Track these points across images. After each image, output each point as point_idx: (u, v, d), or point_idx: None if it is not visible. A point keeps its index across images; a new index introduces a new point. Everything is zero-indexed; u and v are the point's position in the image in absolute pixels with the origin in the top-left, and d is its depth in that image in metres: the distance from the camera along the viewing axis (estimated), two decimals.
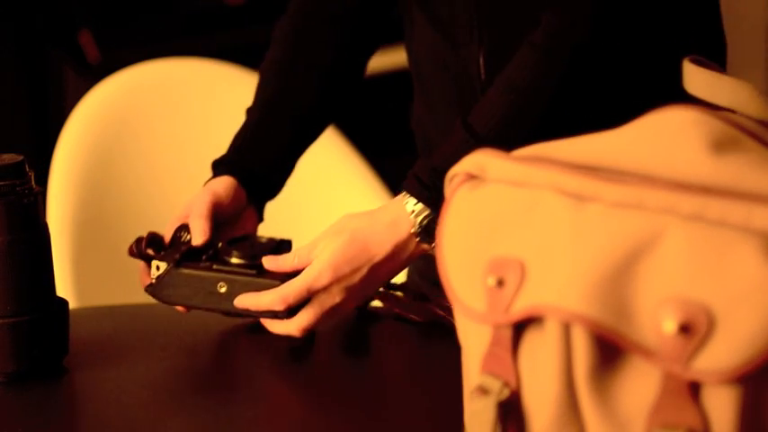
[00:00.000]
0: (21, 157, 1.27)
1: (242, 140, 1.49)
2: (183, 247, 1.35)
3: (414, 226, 1.29)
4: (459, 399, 0.96)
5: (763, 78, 3.31)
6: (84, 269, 1.89)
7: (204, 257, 1.34)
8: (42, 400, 1.27)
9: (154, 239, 1.38)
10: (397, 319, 1.39)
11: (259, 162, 1.48)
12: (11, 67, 2.94)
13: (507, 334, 0.89)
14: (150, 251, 1.38)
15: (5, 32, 2.92)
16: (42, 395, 1.27)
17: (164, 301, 1.34)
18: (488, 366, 0.90)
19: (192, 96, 2.11)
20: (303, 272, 1.29)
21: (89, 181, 1.98)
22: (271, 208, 1.52)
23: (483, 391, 0.89)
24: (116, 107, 2.05)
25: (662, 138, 0.88)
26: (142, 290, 1.40)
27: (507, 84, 1.29)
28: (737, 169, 0.85)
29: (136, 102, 2.07)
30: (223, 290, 1.31)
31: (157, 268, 1.33)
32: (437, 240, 0.94)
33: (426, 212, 1.29)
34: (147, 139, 2.06)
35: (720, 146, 0.86)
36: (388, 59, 1.72)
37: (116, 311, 1.50)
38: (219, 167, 1.47)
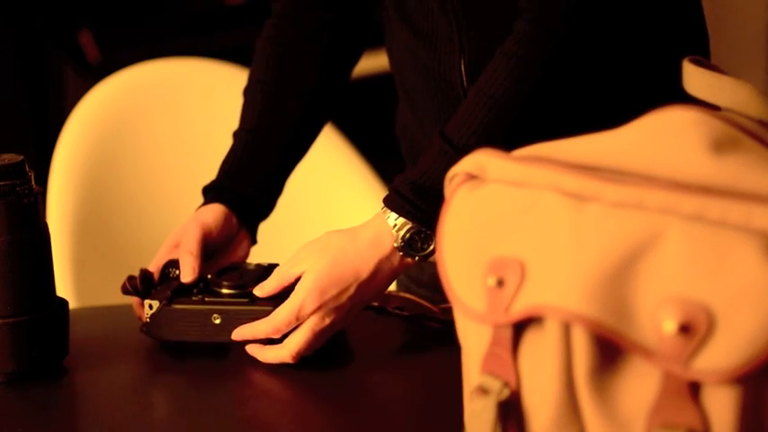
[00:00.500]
0: (21, 157, 1.27)
1: (230, 165, 1.48)
2: (174, 284, 1.35)
3: (396, 240, 1.29)
4: (458, 399, 0.96)
5: (763, 78, 3.31)
6: (84, 269, 1.89)
7: (195, 291, 1.34)
8: (42, 400, 1.27)
9: (145, 276, 1.37)
10: (412, 321, 1.39)
11: (249, 186, 1.47)
12: (11, 67, 2.94)
13: (507, 334, 0.89)
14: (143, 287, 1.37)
15: (5, 32, 2.92)
16: (42, 395, 1.27)
17: (161, 339, 1.33)
18: (488, 366, 0.90)
19: (192, 96, 2.10)
20: (289, 299, 1.29)
21: (89, 181, 1.97)
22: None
23: (483, 391, 0.89)
24: (116, 107, 2.05)
25: (662, 138, 0.88)
26: None
27: (483, 93, 1.28)
28: (737, 169, 0.85)
29: (136, 102, 2.07)
30: (218, 321, 1.31)
31: (150, 307, 1.33)
32: (437, 241, 0.94)
33: (408, 226, 1.28)
34: (147, 138, 2.06)
35: (720, 146, 0.86)
36: (386, 60, 1.71)
37: (116, 311, 1.50)
38: (209, 194, 1.46)
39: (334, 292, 1.28)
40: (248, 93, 1.52)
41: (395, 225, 1.29)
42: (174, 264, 1.38)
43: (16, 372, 1.28)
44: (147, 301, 1.34)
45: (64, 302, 1.32)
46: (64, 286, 1.82)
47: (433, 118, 1.44)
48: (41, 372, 1.29)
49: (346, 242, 1.29)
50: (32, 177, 1.28)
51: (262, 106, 1.49)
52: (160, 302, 1.33)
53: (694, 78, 0.94)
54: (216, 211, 1.43)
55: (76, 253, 1.89)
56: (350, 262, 1.29)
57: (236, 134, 1.50)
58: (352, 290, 1.29)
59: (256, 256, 1.44)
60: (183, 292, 1.34)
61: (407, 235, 1.29)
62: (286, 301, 1.29)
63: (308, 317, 1.28)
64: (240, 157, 1.48)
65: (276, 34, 1.52)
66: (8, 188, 1.26)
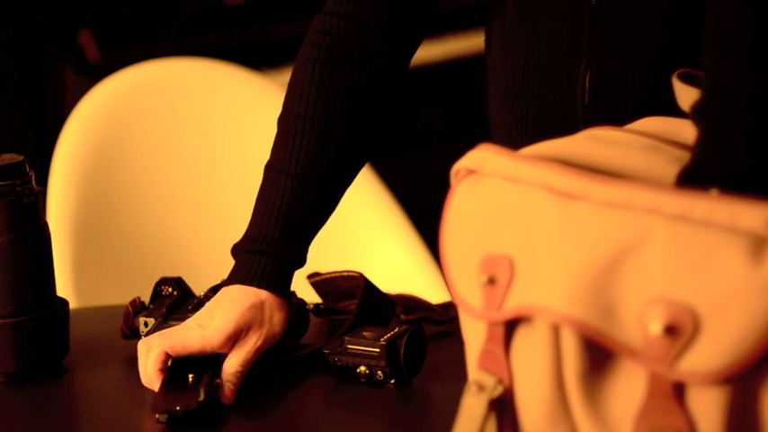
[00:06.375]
0: (21, 157, 1.28)
1: (280, 227, 1.29)
2: (167, 301, 1.34)
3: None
4: (459, 397, 0.96)
5: None
6: (85, 269, 1.89)
7: (189, 308, 1.33)
8: (42, 400, 1.27)
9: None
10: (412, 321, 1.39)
11: (298, 254, 1.31)
12: (11, 67, 2.94)
13: (500, 331, 0.89)
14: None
15: (5, 32, 2.92)
16: (42, 395, 1.27)
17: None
18: (484, 363, 0.90)
19: (192, 96, 2.10)
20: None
21: (89, 181, 1.98)
22: None
23: (480, 386, 0.90)
24: (116, 107, 2.05)
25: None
26: (142, 290, 1.40)
27: None
28: None
29: (136, 102, 2.07)
30: None
31: (145, 324, 1.32)
32: (440, 236, 0.94)
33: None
34: (147, 139, 2.06)
35: None
36: None
37: (116, 311, 1.50)
38: (270, 277, 1.29)
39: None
40: (288, 126, 1.32)
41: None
42: (166, 281, 1.37)
43: (16, 372, 1.28)
44: (141, 319, 1.32)
45: (64, 302, 1.32)
46: (64, 286, 1.83)
47: (533, 120, 1.33)
48: (41, 372, 1.29)
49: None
50: (32, 177, 1.28)
51: (308, 146, 1.31)
52: (156, 319, 1.32)
53: (684, 96, 0.94)
54: (280, 311, 1.29)
55: (76, 253, 1.89)
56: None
57: (277, 177, 1.31)
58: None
59: None
60: (178, 309, 1.33)
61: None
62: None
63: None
64: (287, 212, 1.30)
65: (325, 57, 1.32)
66: (8, 188, 1.26)
